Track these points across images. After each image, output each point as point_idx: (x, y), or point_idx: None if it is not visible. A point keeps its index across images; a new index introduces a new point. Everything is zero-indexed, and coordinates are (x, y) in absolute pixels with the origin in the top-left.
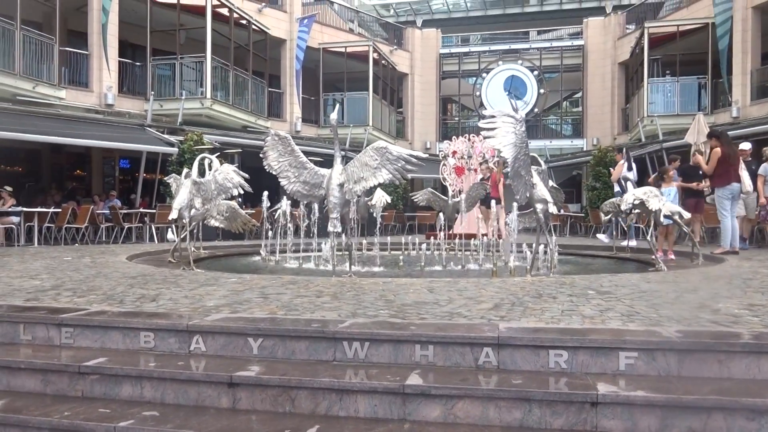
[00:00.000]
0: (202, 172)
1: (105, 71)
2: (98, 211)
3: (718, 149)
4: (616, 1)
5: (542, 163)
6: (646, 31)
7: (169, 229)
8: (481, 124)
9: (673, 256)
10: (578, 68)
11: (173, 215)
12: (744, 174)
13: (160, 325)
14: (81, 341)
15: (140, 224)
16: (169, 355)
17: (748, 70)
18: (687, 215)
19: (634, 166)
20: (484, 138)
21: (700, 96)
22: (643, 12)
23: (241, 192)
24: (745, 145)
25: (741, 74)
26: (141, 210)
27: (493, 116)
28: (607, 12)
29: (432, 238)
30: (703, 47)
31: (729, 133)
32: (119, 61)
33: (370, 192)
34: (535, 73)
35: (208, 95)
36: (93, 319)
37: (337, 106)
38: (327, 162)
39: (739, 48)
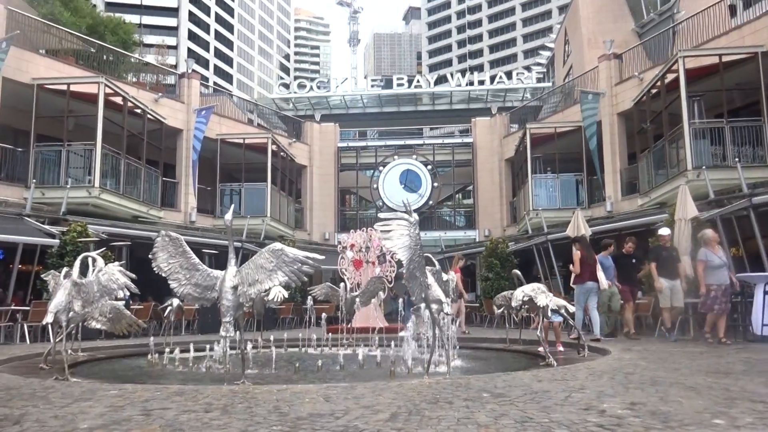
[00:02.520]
0: (84, 270)
1: None
2: None
3: (578, 252)
4: (501, 103)
5: (436, 263)
6: (527, 132)
7: None
8: (377, 226)
9: (561, 348)
10: (469, 163)
11: (48, 319)
12: (600, 274)
13: None
14: None
15: (11, 323)
16: None
17: (617, 168)
18: (572, 309)
19: None
20: (381, 240)
21: (578, 191)
22: (525, 114)
23: (127, 294)
24: (664, 231)
25: (612, 172)
26: (12, 307)
27: (388, 219)
28: (493, 113)
29: (332, 332)
30: (578, 147)
31: (602, 227)
32: None
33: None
34: (429, 167)
35: (97, 183)
36: None
37: (233, 206)
38: (222, 254)
39: (608, 149)
